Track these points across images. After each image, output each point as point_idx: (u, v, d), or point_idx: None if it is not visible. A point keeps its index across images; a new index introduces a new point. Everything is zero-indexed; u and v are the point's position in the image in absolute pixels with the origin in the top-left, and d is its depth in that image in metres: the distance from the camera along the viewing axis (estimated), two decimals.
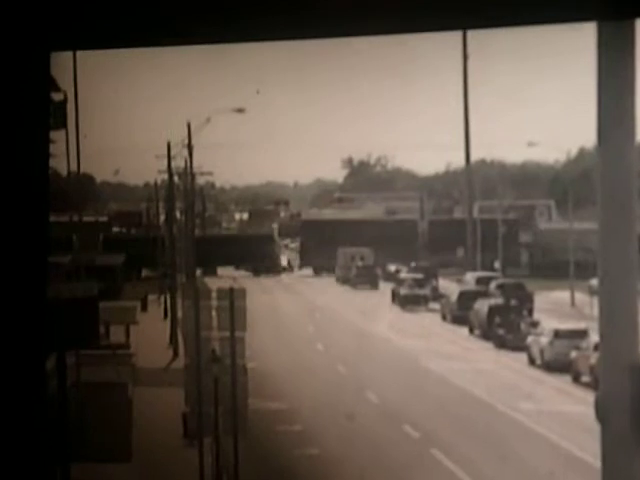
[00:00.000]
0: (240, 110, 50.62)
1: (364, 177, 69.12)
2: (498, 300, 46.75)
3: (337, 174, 71.41)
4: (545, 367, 39.20)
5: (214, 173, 54.45)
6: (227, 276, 53.69)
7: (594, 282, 38.74)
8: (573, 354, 37.50)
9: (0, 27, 5.32)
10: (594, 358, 33.52)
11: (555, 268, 50.46)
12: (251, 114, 53.38)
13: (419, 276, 54.18)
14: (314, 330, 47.26)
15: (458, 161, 61.74)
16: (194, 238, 50.30)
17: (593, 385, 33.36)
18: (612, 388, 10.72)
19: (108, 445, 26.72)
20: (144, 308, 46.31)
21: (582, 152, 61.40)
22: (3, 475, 5.32)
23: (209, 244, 55.05)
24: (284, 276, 59.04)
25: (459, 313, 47.91)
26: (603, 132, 10.71)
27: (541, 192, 61.90)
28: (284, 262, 59.27)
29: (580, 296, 49.06)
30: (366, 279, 57.02)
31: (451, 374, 38.20)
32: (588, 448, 25.49)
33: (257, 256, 56.65)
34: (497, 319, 44.26)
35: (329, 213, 63.82)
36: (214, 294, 25.74)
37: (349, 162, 70.39)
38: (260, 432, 28.73)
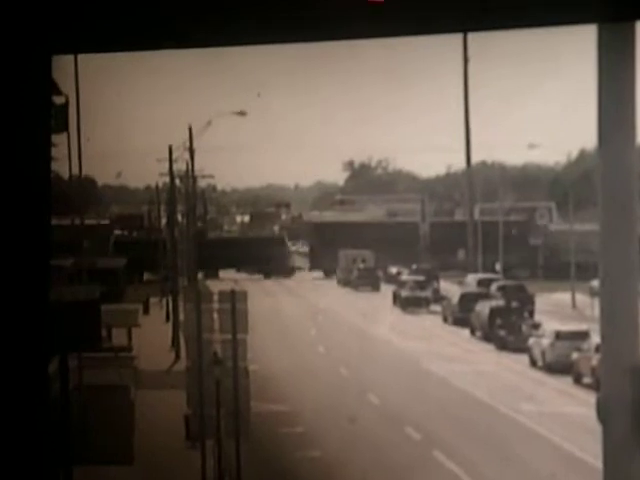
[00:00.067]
0: (241, 113, 50.65)
1: (365, 179, 69.11)
2: (499, 302, 46.76)
3: (338, 176, 71.42)
4: (546, 369, 39.19)
5: (215, 176, 54.51)
6: (229, 279, 53.70)
7: (595, 283, 38.73)
8: (574, 355, 37.49)
9: (2, 31, 5.34)
10: (595, 359, 33.52)
11: (566, 269, 50.33)
12: (252, 117, 53.41)
13: (420, 278, 54.18)
14: (316, 332, 47.27)
15: (459, 163, 61.76)
16: (204, 240, 50.45)
17: (594, 386, 33.35)
18: (613, 389, 10.73)
19: (110, 448, 26.73)
20: (146, 311, 46.34)
21: (583, 154, 61.39)
22: (7, 477, 5.34)
23: (220, 246, 55.22)
24: (287, 279, 59.06)
25: (460, 315, 47.91)
26: (604, 134, 10.72)
27: (542, 194, 61.88)
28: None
29: (581, 297, 49.06)
30: (367, 281, 57.03)
31: (452, 376, 38.20)
32: (589, 449, 25.49)
33: (268, 259, 56.77)
34: (498, 321, 44.26)
35: (330, 215, 63.82)
36: (216, 297, 25.76)
37: (350, 164, 70.40)
38: (262, 434, 28.73)
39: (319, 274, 59.35)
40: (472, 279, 52.80)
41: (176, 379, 31.00)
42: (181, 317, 31.78)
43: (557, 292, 51.86)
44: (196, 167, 50.20)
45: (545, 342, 39.80)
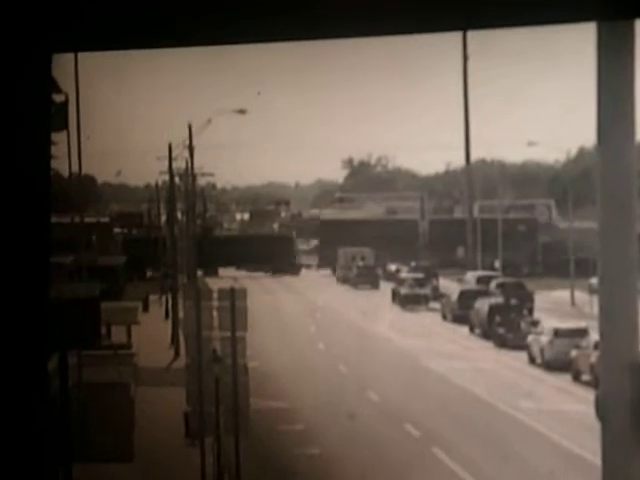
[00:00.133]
0: (241, 111, 50.68)
1: (365, 177, 69.14)
2: (498, 299, 46.80)
3: (338, 174, 71.44)
4: (545, 366, 39.23)
5: (215, 174, 54.54)
6: (228, 276, 53.75)
7: (594, 281, 38.77)
8: (573, 353, 37.53)
9: (2, 29, 5.36)
10: (594, 357, 33.56)
11: (576, 267, 50.25)
12: (252, 115, 53.43)
13: (419, 276, 54.23)
14: (315, 330, 47.31)
15: (458, 161, 61.79)
16: (211, 238, 50.55)
17: (593, 384, 33.39)
18: (612, 387, 10.76)
19: (110, 445, 26.76)
20: (145, 308, 46.37)
21: (582, 152, 61.43)
22: (6, 475, 5.35)
23: (228, 244, 55.37)
24: (287, 277, 59.11)
25: (459, 312, 47.96)
26: (603, 132, 10.74)
27: (541, 192, 61.92)
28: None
29: (580, 295, 49.10)
30: (367, 279, 57.07)
31: (451, 373, 38.25)
32: (588, 446, 25.53)
33: (275, 256, 56.91)
34: (497, 318, 44.31)
35: (330, 213, 63.86)
36: (215, 294, 25.80)
37: (350, 162, 70.43)
38: (262, 431, 28.77)
39: (326, 272, 59.39)
40: (471, 276, 52.84)
41: (175, 376, 31.05)
42: (180, 314, 31.83)
43: (556, 290, 51.91)
44: (196, 165, 50.24)
45: (544, 339, 39.84)
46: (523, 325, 43.44)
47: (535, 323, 43.19)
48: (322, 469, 27.54)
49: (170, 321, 43.73)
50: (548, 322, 42.41)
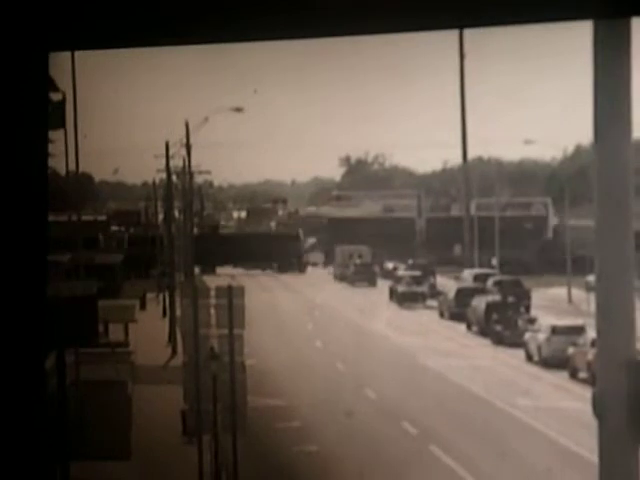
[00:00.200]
0: (238, 109, 50.70)
1: (362, 175, 69.17)
2: (495, 297, 46.85)
3: (335, 172, 71.45)
4: (542, 363, 39.27)
5: (212, 172, 54.56)
6: (225, 274, 53.78)
7: (591, 278, 38.81)
8: (570, 350, 37.57)
9: None
10: (591, 354, 33.61)
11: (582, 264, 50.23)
12: (249, 113, 53.45)
13: (417, 273, 54.27)
14: (313, 327, 47.33)
15: (455, 159, 61.83)
16: (217, 236, 50.69)
17: (590, 381, 33.43)
18: (609, 384, 10.78)
19: (107, 443, 26.76)
20: (143, 306, 46.39)
21: (579, 149, 61.50)
22: (3, 474, 5.36)
23: (235, 242, 55.51)
24: (284, 275, 59.14)
25: (457, 310, 48.00)
26: (599, 129, 10.76)
27: (538, 189, 61.97)
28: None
29: (578, 292, 49.15)
30: (364, 277, 57.11)
31: (449, 371, 38.28)
32: (585, 444, 25.57)
33: (283, 255, 57.03)
34: (494, 316, 44.35)
35: (327, 211, 63.90)
36: (213, 292, 25.81)
37: (347, 160, 70.45)
38: (259, 429, 28.79)
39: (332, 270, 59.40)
40: (468, 274, 52.88)
41: (173, 374, 31.06)
42: (178, 312, 31.85)
43: (554, 287, 51.96)
44: (193, 163, 50.27)
45: (541, 337, 39.88)
46: (520, 323, 43.48)
47: (532, 320, 43.24)
48: (319, 466, 27.56)
49: (167, 319, 43.74)
50: (545, 319, 42.45)
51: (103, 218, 53.76)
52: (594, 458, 11.43)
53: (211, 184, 62.02)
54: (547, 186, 61.66)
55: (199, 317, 25.38)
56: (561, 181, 55.51)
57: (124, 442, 27.33)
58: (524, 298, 47.85)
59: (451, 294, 49.70)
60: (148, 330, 41.30)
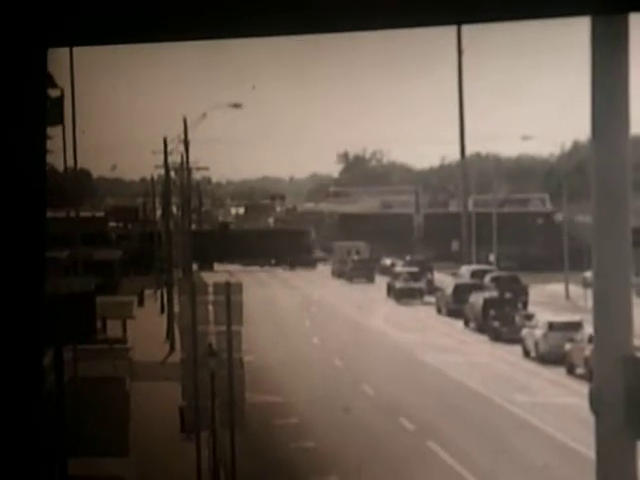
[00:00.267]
0: (236, 105, 50.69)
1: (360, 171, 69.18)
2: (493, 293, 46.87)
3: (333, 168, 71.46)
4: (540, 359, 39.31)
5: (210, 168, 54.56)
6: (223, 270, 53.80)
7: (588, 274, 38.82)
8: (567, 346, 37.61)
9: None
10: (588, 350, 33.65)
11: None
12: (247, 109, 53.44)
13: (414, 269, 54.29)
14: (310, 324, 47.36)
15: (453, 155, 61.82)
16: (228, 232, 50.87)
17: (587, 377, 33.47)
18: (606, 380, 10.78)
19: (105, 439, 26.77)
20: (141, 303, 46.40)
21: (577, 145, 61.50)
22: (1, 470, 5.37)
23: (245, 239, 55.66)
24: (280, 270, 59.18)
25: (454, 306, 48.03)
26: (597, 126, 10.76)
27: (536, 185, 61.97)
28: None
29: (575, 288, 49.18)
30: (362, 273, 57.14)
31: (446, 367, 38.31)
32: (582, 439, 25.60)
33: (294, 250, 57.17)
34: (492, 312, 44.38)
35: (325, 207, 63.92)
36: (211, 289, 25.81)
37: (345, 156, 70.46)
38: (257, 425, 28.81)
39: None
40: (466, 270, 52.91)
41: (171, 371, 31.06)
42: (176, 309, 31.86)
43: (551, 283, 51.99)
44: (191, 159, 50.26)
45: (538, 333, 39.91)
46: (517, 319, 43.51)
47: (529, 317, 43.27)
48: (317, 463, 27.59)
49: (165, 315, 43.74)
50: (543, 316, 42.48)
51: (101, 214, 53.75)
52: (591, 454, 11.45)
53: (209, 180, 62.04)
54: (545, 182, 61.67)
55: (197, 313, 25.38)
56: (559, 177, 55.52)
57: (122, 438, 27.33)
58: (521, 294, 47.88)
59: (449, 290, 49.72)
60: (146, 327, 41.30)
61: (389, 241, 58.24)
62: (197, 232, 56.24)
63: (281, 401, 33.53)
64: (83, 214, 39.57)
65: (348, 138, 65.77)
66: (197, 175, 54.27)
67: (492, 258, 55.09)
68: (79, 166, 34.65)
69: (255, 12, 5.47)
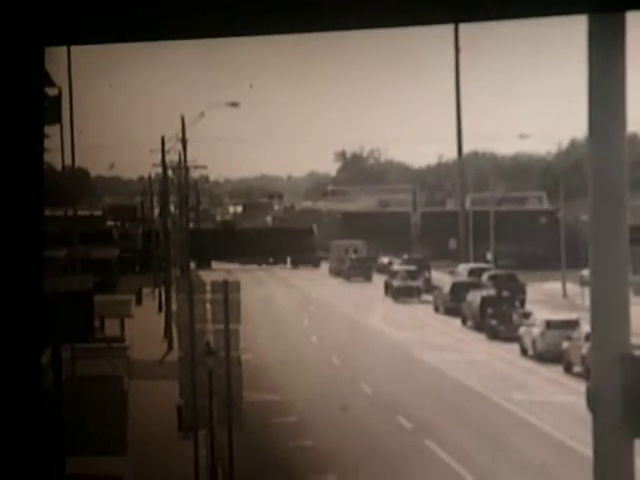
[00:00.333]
0: (234, 104, 50.68)
1: (357, 170, 69.22)
2: (490, 291, 46.90)
3: (330, 167, 71.51)
4: (537, 357, 39.34)
5: (208, 166, 54.58)
6: (221, 269, 53.78)
7: (585, 273, 38.85)
8: (565, 344, 37.64)
9: None
10: (585, 348, 33.67)
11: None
12: (245, 108, 53.47)
13: (412, 268, 54.32)
14: (308, 322, 47.37)
15: (450, 153, 61.87)
16: (233, 231, 51.00)
17: (585, 375, 33.50)
18: (603, 378, 10.80)
19: (103, 438, 26.78)
20: (139, 302, 46.40)
21: (574, 144, 61.51)
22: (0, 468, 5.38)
23: (251, 237, 55.77)
24: (278, 269, 59.17)
25: (452, 304, 48.05)
26: (594, 124, 10.77)
27: (533, 184, 62.00)
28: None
29: (572, 287, 49.20)
30: (359, 271, 57.16)
31: (444, 365, 38.34)
32: (580, 438, 25.63)
33: (297, 249, 57.25)
34: (489, 310, 44.40)
35: (323, 205, 63.93)
36: (208, 287, 25.81)
37: (342, 155, 70.48)
38: (255, 424, 28.82)
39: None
40: (463, 269, 52.93)
41: (169, 369, 31.07)
42: (174, 307, 31.84)
43: (549, 281, 52.01)
44: (189, 158, 50.27)
45: (536, 331, 39.94)
46: (515, 317, 43.54)
47: (527, 315, 43.29)
48: (315, 461, 27.61)
49: (163, 314, 43.75)
50: (540, 314, 42.50)
51: (99, 213, 53.75)
52: (588, 452, 11.47)
53: (207, 179, 62.08)
54: (542, 180, 61.70)
55: (195, 312, 25.38)
56: (556, 175, 55.54)
57: (120, 437, 27.34)
58: (519, 292, 47.91)
59: (446, 288, 49.74)
60: (144, 325, 41.31)
61: (386, 239, 58.27)
62: (202, 230, 56.47)
63: (279, 400, 33.54)
64: (81, 213, 39.55)
65: (346, 137, 65.80)
66: (195, 174, 54.32)
67: (489, 256, 55.11)
68: (77, 165, 34.62)
69: (254, 11, 5.48)
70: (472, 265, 53.60)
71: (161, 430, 28.88)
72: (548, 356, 38.52)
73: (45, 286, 5.53)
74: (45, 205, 5.58)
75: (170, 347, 39.28)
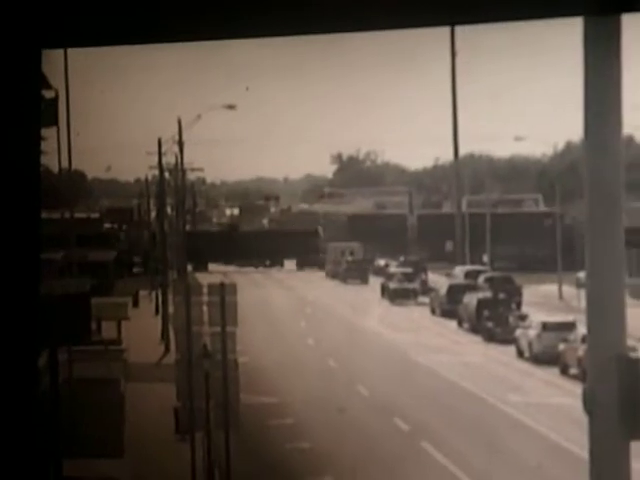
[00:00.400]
0: (231, 107, 50.73)
1: (353, 172, 69.25)
2: (487, 293, 46.94)
3: (327, 169, 71.54)
4: (533, 360, 39.38)
5: (205, 169, 54.62)
6: (218, 271, 53.78)
7: (581, 275, 38.88)
8: (561, 346, 37.68)
9: None
10: (582, 350, 33.71)
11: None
12: (242, 110, 53.51)
13: (408, 270, 54.35)
14: (305, 325, 47.38)
15: (446, 156, 61.92)
16: (238, 233, 51.12)
17: (581, 377, 33.54)
18: (599, 380, 10.81)
19: (100, 441, 26.77)
20: (135, 304, 46.40)
21: (569, 145, 61.60)
22: None
23: (256, 239, 55.88)
24: (274, 271, 59.18)
25: (448, 307, 48.08)
26: (589, 126, 10.79)
27: (529, 186, 62.06)
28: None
29: (568, 289, 49.26)
30: (356, 273, 57.19)
31: (440, 367, 38.37)
32: (576, 440, 25.67)
33: (302, 251, 57.33)
34: (486, 312, 44.44)
35: (319, 208, 63.95)
36: (205, 289, 25.81)
37: (339, 157, 70.52)
38: (252, 426, 28.83)
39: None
40: (460, 271, 52.97)
41: (165, 372, 31.06)
42: (170, 310, 31.84)
43: (545, 284, 52.06)
44: (185, 160, 50.32)
45: (532, 333, 39.98)
46: (511, 319, 43.58)
47: (523, 317, 43.33)
48: (312, 463, 27.62)
49: (160, 317, 43.74)
50: (536, 316, 42.54)
51: (96, 215, 53.74)
52: (585, 454, 11.49)
53: (204, 181, 62.09)
54: (538, 182, 61.77)
55: (192, 314, 25.37)
56: (552, 177, 55.60)
57: (117, 440, 27.33)
58: (515, 295, 47.95)
59: (442, 291, 49.78)
60: (141, 328, 41.29)
61: (383, 242, 58.31)
62: (205, 233, 56.53)
63: (276, 402, 33.55)
64: (78, 215, 39.55)
65: (342, 139, 65.84)
66: (191, 176, 54.35)
67: (486, 259, 55.14)
68: (74, 167, 34.65)
69: (252, 14, 5.50)
70: (468, 267, 53.63)
71: (158, 432, 28.88)
72: (544, 358, 38.55)
73: (42, 288, 5.54)
74: (42, 207, 5.59)
75: (167, 349, 39.27)
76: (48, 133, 29.51)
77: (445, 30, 53.66)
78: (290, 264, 59.33)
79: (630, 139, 53.18)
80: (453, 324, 46.90)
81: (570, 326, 38.64)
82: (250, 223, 61.93)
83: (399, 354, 40.79)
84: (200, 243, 52.17)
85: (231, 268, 56.97)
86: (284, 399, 33.93)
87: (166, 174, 47.63)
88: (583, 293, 14.50)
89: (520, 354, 40.44)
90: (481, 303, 45.26)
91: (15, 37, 5.44)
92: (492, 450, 27.75)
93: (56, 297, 22.03)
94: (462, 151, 59.47)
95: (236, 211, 65.13)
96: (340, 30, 5.70)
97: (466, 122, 58.24)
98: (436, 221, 59.38)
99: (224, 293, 25.41)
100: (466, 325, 46.18)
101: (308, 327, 46.76)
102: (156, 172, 47.42)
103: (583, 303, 12.44)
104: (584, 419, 11.10)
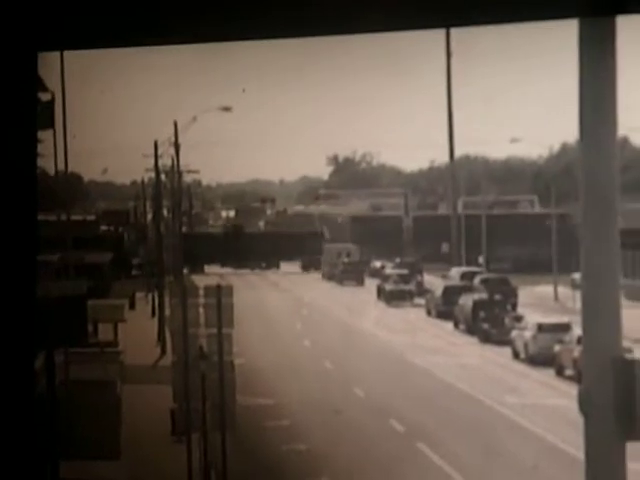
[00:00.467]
0: (226, 109, 50.76)
1: (349, 174, 69.29)
2: (482, 295, 46.97)
3: (322, 171, 71.57)
4: (529, 361, 39.41)
5: (201, 171, 54.64)
6: (214, 273, 53.79)
7: (577, 276, 38.92)
8: (556, 348, 37.72)
9: None
10: (577, 351, 33.75)
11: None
12: (237, 113, 53.51)
13: (404, 272, 54.38)
14: (301, 326, 47.39)
15: (442, 157, 61.96)
16: (242, 234, 51.23)
17: (576, 378, 33.58)
18: (595, 381, 10.84)
19: (97, 442, 26.77)
20: (132, 306, 46.37)
21: (565, 147, 61.68)
22: None
23: (260, 240, 55.96)
24: (270, 273, 59.19)
25: (444, 308, 48.10)
26: (585, 128, 10.82)
27: (525, 187, 62.12)
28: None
29: (564, 290, 49.31)
30: (352, 275, 57.21)
31: (436, 369, 38.39)
32: (572, 441, 25.70)
33: (305, 252, 57.42)
34: (481, 314, 44.47)
35: (315, 209, 63.98)
36: (201, 291, 25.83)
37: (334, 159, 70.56)
38: (248, 428, 28.84)
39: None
40: (455, 272, 52.99)
41: (162, 374, 31.06)
42: (167, 312, 31.87)
43: (540, 285, 52.11)
44: (182, 162, 50.34)
45: (528, 334, 40.01)
46: (507, 320, 43.61)
47: (519, 318, 43.37)
48: (309, 464, 27.64)
49: (156, 319, 43.73)
50: (532, 317, 42.58)
51: (92, 218, 53.72)
52: (580, 455, 11.52)
53: (200, 183, 62.09)
54: (533, 184, 61.82)
55: (188, 316, 25.39)
56: (547, 179, 55.64)
57: (114, 441, 27.34)
58: (511, 296, 47.97)
59: (438, 292, 49.80)
60: (137, 330, 41.29)
61: (379, 243, 58.35)
62: (209, 234, 56.64)
63: (272, 403, 33.57)
64: (74, 217, 39.53)
65: (338, 141, 65.86)
66: (188, 178, 54.37)
67: (481, 260, 55.18)
68: (70, 170, 34.64)
69: (252, 15, 5.52)
70: (464, 269, 53.65)
71: (154, 434, 28.89)
72: (540, 359, 38.58)
73: (38, 290, 5.56)
74: (38, 210, 5.61)
75: (163, 351, 39.27)
76: (44, 136, 29.51)
77: (440, 32, 53.72)
78: (286, 266, 59.37)
79: (625, 140, 53.24)
80: (449, 325, 46.92)
81: (566, 327, 38.68)
82: (246, 225, 61.92)
83: (395, 355, 40.81)
84: (200, 244, 52.19)
85: (227, 270, 56.96)
86: (280, 401, 33.94)
87: (162, 176, 47.65)
88: (578, 294, 14.54)
89: (516, 355, 40.47)
90: (477, 304, 45.28)
91: (11, 39, 5.45)
92: (488, 451, 27.78)
93: (53, 299, 22.03)
94: (458, 153, 59.54)
95: (232, 213, 65.13)
96: (339, 32, 5.72)
97: (462, 124, 58.32)
98: (432, 223, 59.41)
99: (220, 295, 25.43)
100: (462, 326, 46.20)
101: (304, 329, 46.77)
102: (152, 174, 47.43)
103: (578, 304, 12.47)
104: (580, 420, 11.12)
